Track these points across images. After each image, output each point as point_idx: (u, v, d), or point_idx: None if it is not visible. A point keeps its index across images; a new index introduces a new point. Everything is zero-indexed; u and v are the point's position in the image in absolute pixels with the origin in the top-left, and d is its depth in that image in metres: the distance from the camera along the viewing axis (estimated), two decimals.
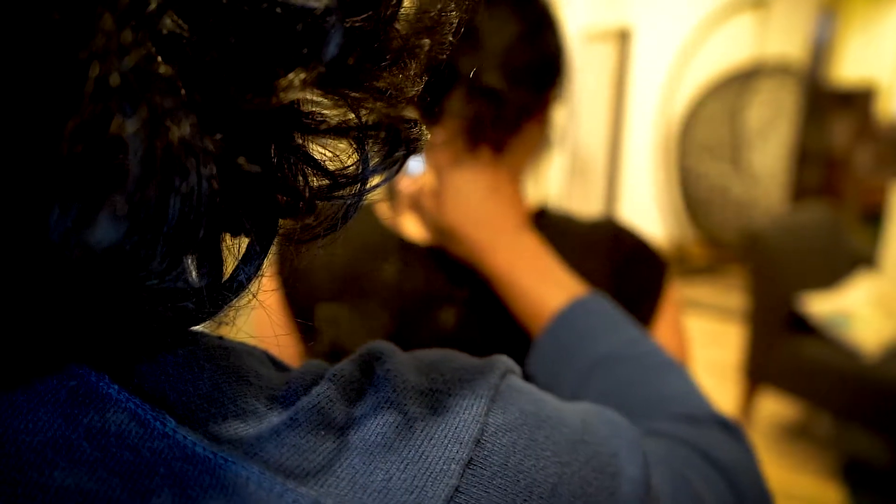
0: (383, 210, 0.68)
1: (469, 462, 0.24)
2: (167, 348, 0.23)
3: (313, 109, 0.20)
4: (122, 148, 0.16)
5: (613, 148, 2.98)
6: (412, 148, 0.24)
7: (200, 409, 0.22)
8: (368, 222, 0.67)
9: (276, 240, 0.23)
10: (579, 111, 2.99)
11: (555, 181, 2.95)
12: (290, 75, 0.18)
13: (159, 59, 0.16)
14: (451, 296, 0.63)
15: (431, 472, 0.23)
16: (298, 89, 0.18)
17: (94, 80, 0.15)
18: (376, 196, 0.24)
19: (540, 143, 0.68)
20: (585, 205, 3.01)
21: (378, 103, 0.21)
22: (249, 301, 0.23)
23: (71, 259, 0.16)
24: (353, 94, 0.20)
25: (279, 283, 0.67)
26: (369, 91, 0.21)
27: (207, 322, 0.22)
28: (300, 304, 0.66)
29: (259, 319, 0.70)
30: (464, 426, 0.25)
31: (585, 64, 3.01)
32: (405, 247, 0.65)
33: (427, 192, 0.62)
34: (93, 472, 0.19)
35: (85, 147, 0.15)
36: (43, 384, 0.20)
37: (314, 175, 0.21)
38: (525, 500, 0.24)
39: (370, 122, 0.21)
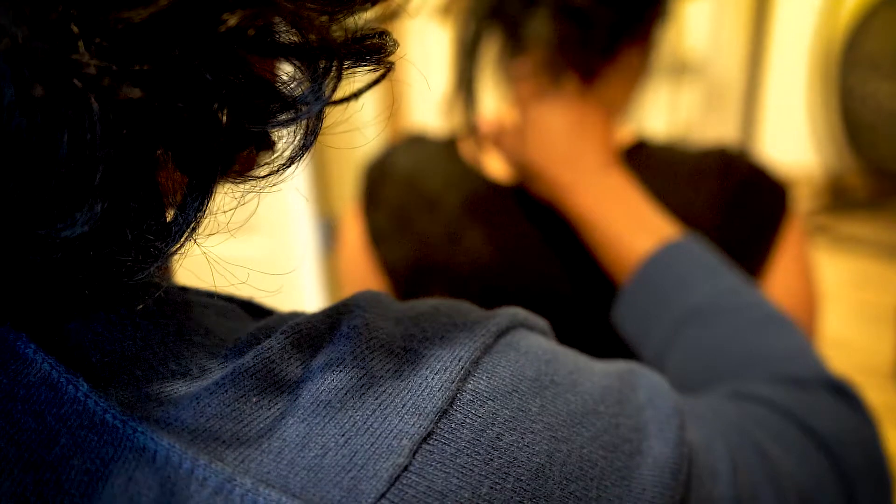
0: (466, 147, 0.64)
1: (428, 436, 0.20)
2: (107, 305, 0.21)
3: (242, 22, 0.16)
4: None
5: (753, 67, 2.67)
6: (376, 62, 0.20)
7: (123, 371, 0.20)
8: (450, 161, 0.64)
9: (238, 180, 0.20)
10: (715, 28, 2.71)
11: (687, 109, 2.73)
12: None
13: None
14: (535, 239, 0.59)
15: (377, 449, 0.19)
16: None
17: None
18: (337, 118, 0.21)
19: (641, 71, 0.60)
20: (723, 133, 2.76)
21: (318, 12, 0.17)
22: (190, 248, 0.20)
23: None
24: (285, 3, 0.17)
25: (363, 224, 0.67)
26: None
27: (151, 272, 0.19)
28: (383, 245, 0.65)
29: (347, 262, 0.70)
30: (429, 393, 0.21)
31: None
32: (487, 186, 0.61)
33: (509, 127, 0.58)
34: None
35: None
36: None
37: (256, 100, 0.18)
38: (496, 484, 0.20)
39: (312, 39, 0.17)
